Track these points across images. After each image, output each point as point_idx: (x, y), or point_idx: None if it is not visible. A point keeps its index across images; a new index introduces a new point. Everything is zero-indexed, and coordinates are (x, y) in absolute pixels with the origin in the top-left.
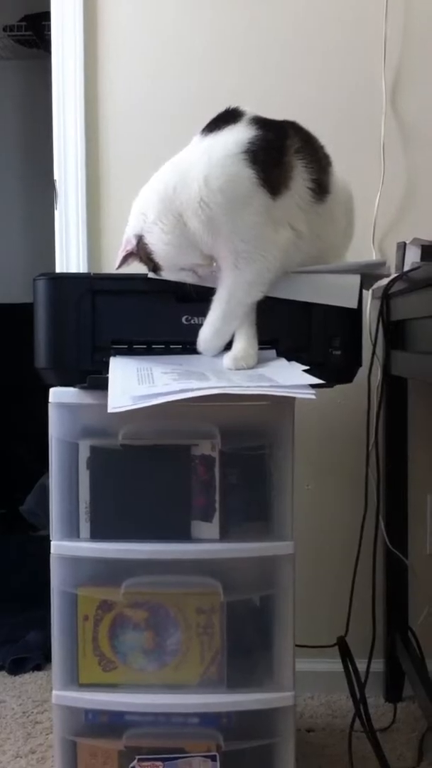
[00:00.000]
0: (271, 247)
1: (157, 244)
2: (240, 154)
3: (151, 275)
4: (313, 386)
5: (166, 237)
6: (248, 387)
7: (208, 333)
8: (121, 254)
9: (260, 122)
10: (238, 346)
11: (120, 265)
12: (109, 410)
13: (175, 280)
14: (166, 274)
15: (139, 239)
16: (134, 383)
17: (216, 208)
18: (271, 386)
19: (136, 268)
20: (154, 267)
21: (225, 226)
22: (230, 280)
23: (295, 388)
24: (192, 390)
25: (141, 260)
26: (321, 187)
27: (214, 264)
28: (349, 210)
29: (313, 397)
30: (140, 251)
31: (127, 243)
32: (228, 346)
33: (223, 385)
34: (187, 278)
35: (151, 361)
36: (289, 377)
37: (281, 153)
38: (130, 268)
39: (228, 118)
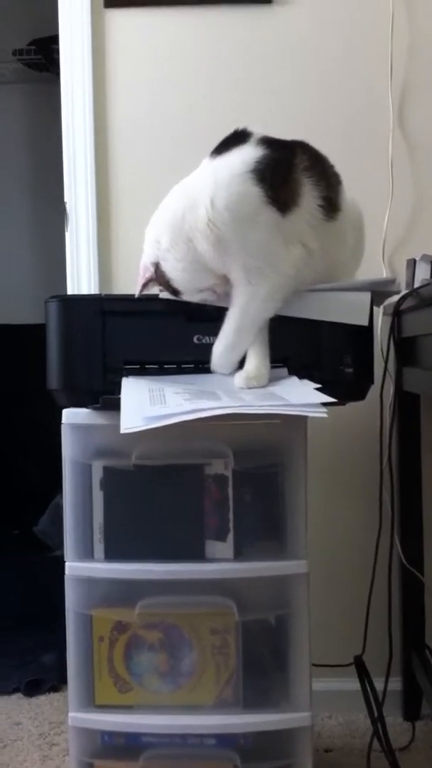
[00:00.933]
0: (283, 263)
1: (173, 272)
2: (247, 173)
3: (163, 295)
4: (324, 404)
5: (179, 264)
6: (260, 406)
7: (220, 350)
8: (140, 282)
9: (268, 142)
10: (250, 365)
11: (141, 292)
12: (122, 431)
13: (195, 301)
14: (187, 297)
15: (156, 267)
16: (146, 403)
17: (223, 228)
18: (282, 405)
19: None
20: (174, 291)
21: (234, 244)
22: (244, 296)
23: (307, 407)
24: (204, 410)
25: (160, 285)
26: (331, 204)
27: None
28: (358, 229)
29: (325, 415)
30: (159, 278)
31: (145, 271)
32: (240, 365)
33: (234, 404)
34: (208, 298)
35: (163, 381)
36: (301, 396)
37: (289, 171)
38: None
39: (236, 139)
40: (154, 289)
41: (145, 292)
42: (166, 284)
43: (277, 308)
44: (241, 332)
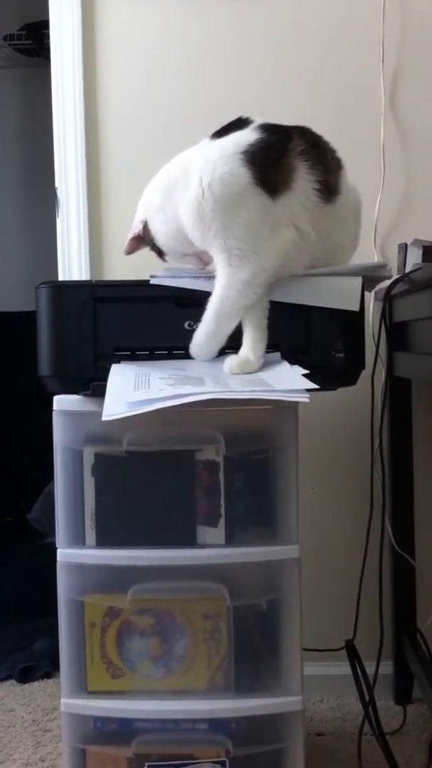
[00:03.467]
0: (267, 247)
1: (158, 233)
2: (237, 155)
3: (153, 281)
4: (315, 390)
5: (164, 227)
6: (241, 392)
7: (201, 336)
8: (129, 236)
9: (265, 127)
10: (240, 351)
11: (128, 250)
12: (104, 418)
13: (179, 265)
14: (170, 260)
15: (145, 225)
16: (130, 389)
17: (207, 206)
18: (263, 391)
19: (138, 274)
20: (159, 252)
21: (216, 223)
22: (224, 279)
23: (288, 392)
24: (185, 395)
25: (147, 244)
26: (329, 188)
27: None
28: (357, 216)
29: (306, 400)
30: (145, 235)
31: (135, 226)
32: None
33: (216, 390)
34: (191, 263)
35: (152, 367)
36: (285, 381)
37: (281, 154)
38: (133, 266)
39: (237, 125)
40: (138, 266)
41: (133, 250)
42: (152, 243)
43: (259, 294)
44: (220, 317)
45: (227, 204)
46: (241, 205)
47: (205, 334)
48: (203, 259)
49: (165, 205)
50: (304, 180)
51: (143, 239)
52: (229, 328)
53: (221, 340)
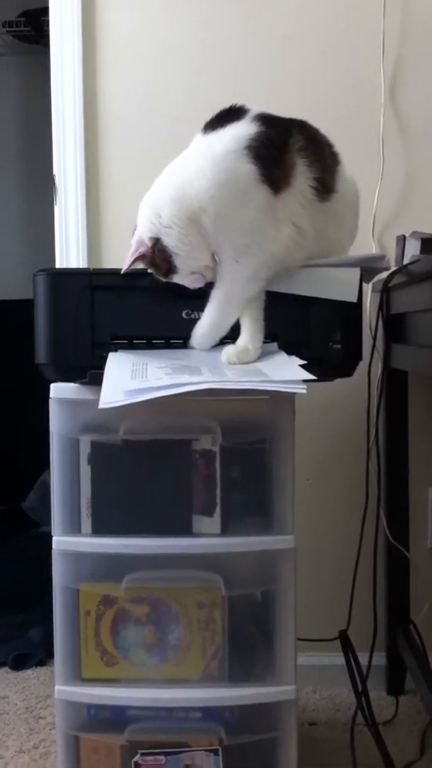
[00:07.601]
0: (271, 243)
1: (178, 246)
2: (241, 150)
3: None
4: (312, 381)
5: (186, 239)
6: (238, 382)
7: (204, 327)
8: (132, 256)
9: (263, 119)
10: (239, 341)
11: (129, 267)
12: (100, 406)
13: (184, 284)
14: (179, 277)
15: (156, 242)
16: (127, 378)
17: (222, 202)
18: (261, 381)
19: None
20: (168, 270)
21: (225, 220)
22: (229, 274)
23: (285, 383)
24: (183, 385)
25: (152, 263)
26: (325, 186)
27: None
28: (355, 211)
29: (303, 391)
30: (156, 253)
31: (139, 245)
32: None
33: (214, 379)
34: (196, 282)
35: (149, 356)
36: (283, 372)
37: (282, 150)
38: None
39: (231, 115)
40: (141, 266)
41: (133, 267)
42: (164, 260)
43: (261, 288)
44: (224, 310)
45: (237, 200)
46: (249, 201)
47: (209, 325)
48: (207, 277)
49: (177, 216)
50: (302, 177)
51: (149, 257)
52: (231, 320)
53: (223, 332)
